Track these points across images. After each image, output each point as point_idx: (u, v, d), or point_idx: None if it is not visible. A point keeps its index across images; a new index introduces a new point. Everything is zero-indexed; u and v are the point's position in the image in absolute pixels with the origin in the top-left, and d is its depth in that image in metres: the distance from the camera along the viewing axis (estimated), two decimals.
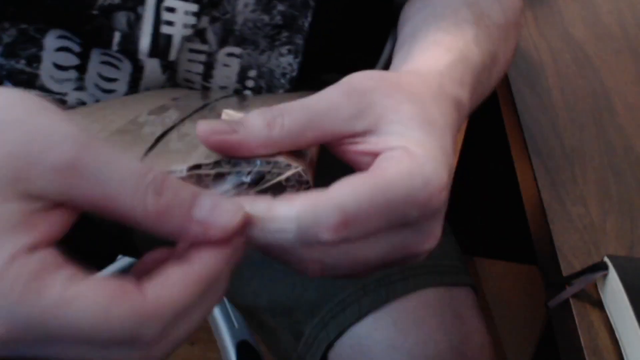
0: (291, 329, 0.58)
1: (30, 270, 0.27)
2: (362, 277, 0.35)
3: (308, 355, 0.56)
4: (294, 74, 0.61)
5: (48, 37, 0.58)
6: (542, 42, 0.73)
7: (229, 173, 0.34)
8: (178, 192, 0.29)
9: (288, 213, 0.30)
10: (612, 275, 0.46)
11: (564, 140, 0.60)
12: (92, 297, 0.27)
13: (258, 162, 0.34)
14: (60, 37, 0.58)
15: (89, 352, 0.28)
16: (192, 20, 0.55)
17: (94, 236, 0.65)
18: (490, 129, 0.95)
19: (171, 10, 0.55)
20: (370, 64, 0.70)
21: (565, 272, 0.49)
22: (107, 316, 0.27)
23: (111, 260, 0.72)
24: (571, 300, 0.47)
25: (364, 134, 0.35)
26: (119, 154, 0.29)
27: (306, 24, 0.58)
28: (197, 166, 0.33)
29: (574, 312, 0.46)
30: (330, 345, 0.55)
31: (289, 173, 0.34)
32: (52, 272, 0.27)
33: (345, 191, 0.31)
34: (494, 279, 1.36)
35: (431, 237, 0.35)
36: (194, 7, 0.55)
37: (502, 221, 1.10)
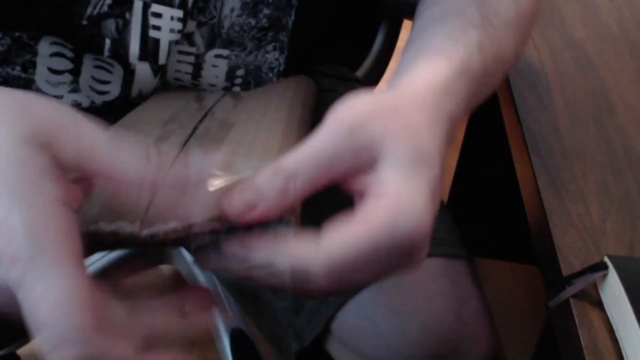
0: (292, 305, 0.59)
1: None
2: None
3: (308, 328, 0.57)
4: (281, 68, 0.62)
5: (42, 44, 0.59)
6: (542, 42, 0.73)
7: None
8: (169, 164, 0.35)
9: (284, 264, 0.34)
10: (612, 275, 0.46)
11: (564, 140, 0.60)
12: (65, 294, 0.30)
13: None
14: (54, 43, 0.59)
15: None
16: (178, 25, 0.56)
17: None
18: (490, 129, 0.95)
19: (157, 15, 0.56)
20: (361, 55, 0.71)
21: (565, 272, 0.49)
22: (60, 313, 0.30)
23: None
24: (571, 300, 0.47)
25: (364, 166, 0.37)
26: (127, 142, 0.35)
27: (290, 22, 0.59)
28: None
29: (574, 312, 0.46)
30: (331, 318, 0.56)
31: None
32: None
33: (334, 245, 0.34)
34: (494, 279, 1.36)
35: (418, 262, 0.37)
36: (179, 13, 0.55)
37: (502, 221, 1.10)
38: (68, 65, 0.60)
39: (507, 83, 0.67)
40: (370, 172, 0.37)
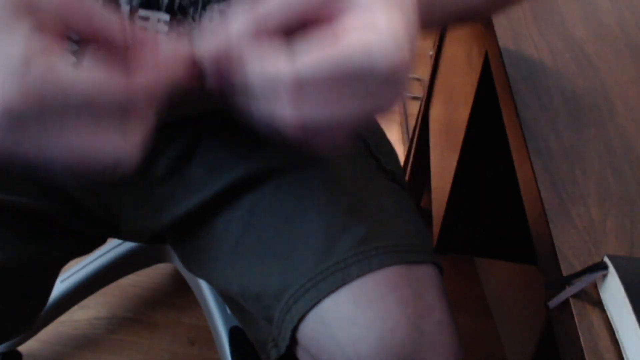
0: (263, 314, 0.60)
1: (45, 46, 0.34)
2: (344, 127, 0.37)
3: (280, 338, 0.57)
4: None
5: None
6: (542, 42, 0.73)
7: None
8: (146, 33, 0.38)
9: (254, 74, 0.36)
10: (612, 275, 0.46)
11: (564, 140, 0.60)
12: (96, 71, 0.35)
13: None
14: None
15: (86, 129, 0.35)
16: (163, 28, 0.56)
17: (83, 219, 0.66)
18: (490, 129, 0.95)
19: (145, 19, 0.56)
20: None
21: (565, 272, 0.49)
22: (108, 83, 0.35)
23: (102, 241, 0.74)
24: (571, 300, 0.47)
25: (337, 7, 0.37)
26: None
27: None
28: None
29: (574, 312, 0.46)
30: (296, 328, 0.56)
31: None
32: (60, 52, 0.35)
33: (306, 58, 0.35)
34: (494, 279, 1.36)
35: (397, 96, 0.37)
36: (165, 16, 0.56)
37: (502, 221, 1.10)
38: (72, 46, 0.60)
39: (507, 83, 0.67)
40: (345, 10, 0.37)
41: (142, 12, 0.56)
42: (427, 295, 0.56)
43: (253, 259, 0.61)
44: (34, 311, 0.67)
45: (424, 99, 1.36)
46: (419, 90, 1.85)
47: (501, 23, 0.76)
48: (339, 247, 0.57)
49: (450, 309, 0.58)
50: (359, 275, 0.55)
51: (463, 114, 1.00)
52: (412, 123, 1.57)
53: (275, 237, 0.60)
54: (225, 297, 0.68)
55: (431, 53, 1.30)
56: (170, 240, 0.72)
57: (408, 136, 1.70)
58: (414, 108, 1.67)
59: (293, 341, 0.57)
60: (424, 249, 0.60)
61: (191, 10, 0.57)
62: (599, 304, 0.47)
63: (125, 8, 0.56)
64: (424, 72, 1.44)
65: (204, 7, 0.56)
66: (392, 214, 0.62)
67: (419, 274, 0.57)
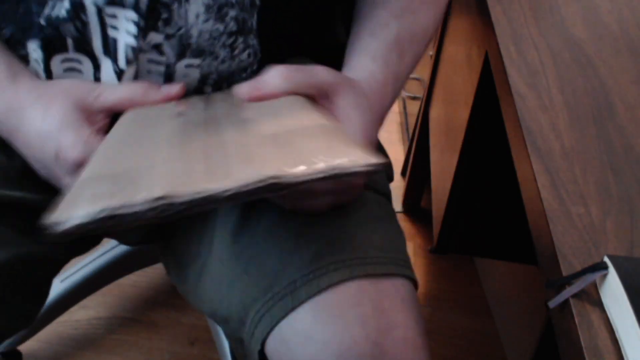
0: (232, 336, 0.59)
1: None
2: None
3: (249, 356, 0.58)
4: (255, 67, 0.62)
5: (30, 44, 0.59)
6: (542, 42, 0.74)
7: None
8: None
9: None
10: (612, 275, 0.46)
11: (564, 140, 0.60)
12: None
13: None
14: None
15: None
16: (133, 28, 0.56)
17: None
18: (490, 129, 0.95)
19: (113, 16, 0.57)
20: (332, 44, 0.72)
21: (565, 272, 0.49)
22: None
23: (98, 240, 0.76)
24: (571, 300, 0.47)
25: (324, 94, 0.55)
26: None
27: (254, 23, 0.59)
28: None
29: (574, 312, 0.46)
30: (261, 350, 0.56)
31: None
32: None
33: None
34: (494, 279, 1.36)
35: (360, 180, 0.57)
36: (133, 16, 0.55)
37: (502, 221, 1.10)
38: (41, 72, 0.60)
39: (507, 83, 0.67)
40: (331, 99, 0.55)
41: (109, 10, 0.55)
42: (391, 311, 0.54)
43: (219, 282, 0.61)
44: (33, 309, 0.67)
45: (424, 99, 1.36)
46: (419, 90, 1.85)
47: (501, 23, 0.76)
48: (290, 269, 0.56)
49: (419, 324, 0.55)
50: (310, 296, 0.53)
51: (463, 114, 1.00)
52: (412, 123, 1.57)
53: (235, 262, 0.59)
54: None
55: (431, 53, 1.30)
56: (159, 251, 0.72)
57: (408, 136, 1.70)
58: (414, 108, 1.67)
59: (263, 358, 0.56)
60: (392, 260, 0.57)
61: (175, 5, 0.56)
62: (599, 304, 0.47)
63: (91, 8, 0.55)
64: (424, 72, 1.44)
65: (187, 0, 0.56)
66: (354, 226, 0.59)
67: (383, 287, 0.55)
